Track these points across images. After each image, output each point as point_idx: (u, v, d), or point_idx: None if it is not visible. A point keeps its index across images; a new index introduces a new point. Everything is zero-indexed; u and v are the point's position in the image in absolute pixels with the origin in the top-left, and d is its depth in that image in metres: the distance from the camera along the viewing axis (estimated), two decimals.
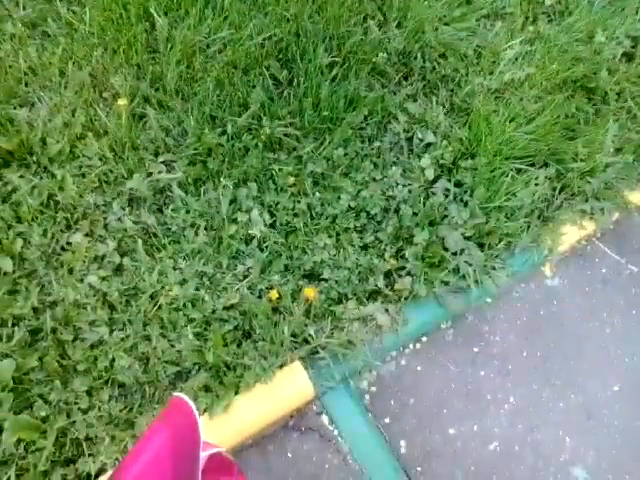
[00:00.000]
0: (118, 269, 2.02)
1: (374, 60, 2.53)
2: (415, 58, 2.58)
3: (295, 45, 2.49)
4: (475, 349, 2.22)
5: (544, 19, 2.88)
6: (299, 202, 2.25)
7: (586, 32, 2.81)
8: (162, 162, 2.23)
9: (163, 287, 1.99)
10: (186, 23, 2.43)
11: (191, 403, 1.05)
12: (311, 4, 2.58)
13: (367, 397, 2.07)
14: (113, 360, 1.85)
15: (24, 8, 2.43)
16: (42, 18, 2.42)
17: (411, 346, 2.19)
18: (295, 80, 2.45)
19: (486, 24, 2.80)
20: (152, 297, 1.98)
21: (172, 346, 1.90)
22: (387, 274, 2.20)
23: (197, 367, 1.90)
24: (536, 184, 2.39)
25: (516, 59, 2.68)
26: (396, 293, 2.17)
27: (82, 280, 1.97)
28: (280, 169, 2.29)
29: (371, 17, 2.66)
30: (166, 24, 2.41)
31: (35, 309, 1.89)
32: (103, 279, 1.98)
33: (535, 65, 2.68)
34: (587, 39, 2.81)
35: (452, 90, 2.59)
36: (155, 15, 2.42)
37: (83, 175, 2.14)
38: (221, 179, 2.23)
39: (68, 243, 2.02)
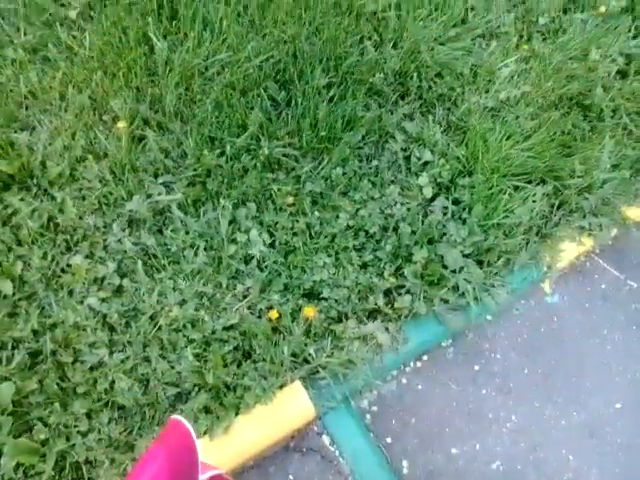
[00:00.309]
0: (118, 290, 2.03)
1: (371, 80, 2.56)
2: (411, 78, 2.61)
3: (293, 66, 2.52)
4: (476, 367, 2.21)
5: (539, 38, 2.91)
6: (298, 221, 2.26)
7: (580, 50, 2.84)
8: (161, 183, 2.24)
9: (163, 308, 2.00)
10: (185, 46, 2.46)
11: (188, 425, 1.05)
12: (308, 26, 2.61)
13: (368, 417, 2.06)
14: (113, 382, 1.85)
15: (25, 33, 2.47)
16: (43, 43, 2.45)
17: (412, 365, 2.19)
18: (293, 101, 2.48)
19: (481, 43, 2.83)
20: (152, 318, 1.98)
21: (172, 367, 1.89)
22: (387, 292, 2.20)
23: (197, 388, 1.89)
24: (534, 201, 2.40)
25: (512, 77, 2.71)
26: (396, 311, 2.16)
27: (82, 302, 1.97)
28: (279, 189, 2.30)
29: (367, 38, 2.69)
30: (165, 47, 2.44)
31: (35, 331, 1.89)
32: (103, 300, 1.98)
33: (530, 83, 2.70)
34: (581, 57, 2.84)
35: (449, 109, 2.62)
36: (154, 39, 2.45)
37: (83, 197, 2.15)
38: (220, 200, 2.24)
39: (68, 265, 2.03)
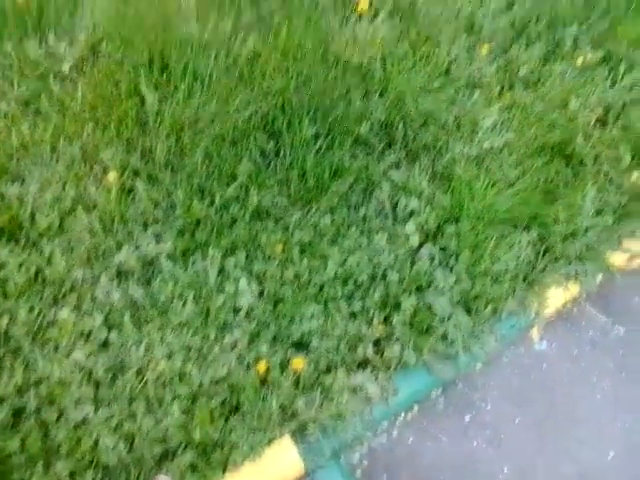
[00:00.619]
0: (105, 344, 2.01)
1: (357, 130, 2.61)
2: (397, 128, 2.66)
3: (281, 118, 2.57)
4: (467, 418, 2.19)
5: (520, 88, 2.98)
6: (287, 270, 2.27)
7: (560, 100, 2.92)
8: (151, 234, 2.25)
9: (150, 361, 1.98)
10: (175, 98, 2.51)
11: None
12: (296, 78, 2.67)
13: (359, 472, 2.02)
14: (97, 440, 1.81)
15: (19, 87, 2.50)
16: (35, 96, 2.49)
17: (402, 416, 2.17)
18: (282, 151, 2.52)
19: (464, 93, 2.89)
20: (138, 372, 1.96)
21: (158, 423, 1.86)
22: (376, 342, 2.20)
23: (183, 445, 1.86)
24: (519, 248, 2.43)
25: (494, 126, 2.77)
26: (385, 361, 2.16)
27: (68, 356, 1.94)
28: (268, 238, 2.31)
29: (354, 89, 2.75)
30: (156, 100, 2.48)
31: (19, 388, 1.86)
32: (89, 355, 1.96)
33: (513, 132, 2.76)
34: (562, 106, 2.91)
35: (434, 157, 2.66)
36: (145, 91, 2.49)
37: (72, 249, 2.15)
38: (209, 249, 2.25)
39: (55, 319, 2.01)
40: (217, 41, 2.72)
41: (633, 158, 2.78)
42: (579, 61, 3.04)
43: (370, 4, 2.96)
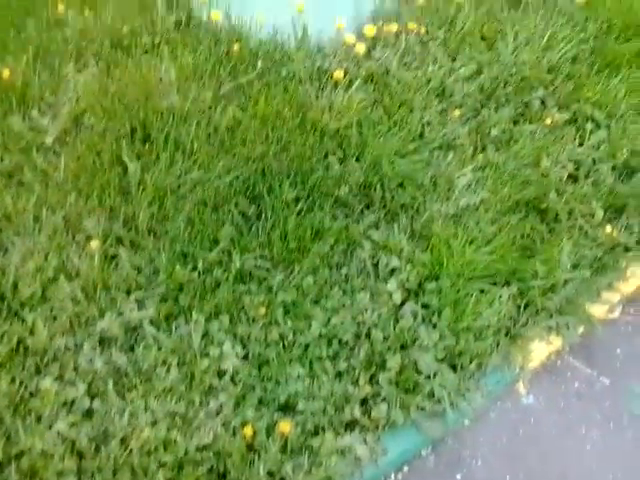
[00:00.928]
0: (88, 413, 1.97)
1: (337, 193, 2.68)
2: (375, 189, 2.74)
3: (262, 182, 2.64)
4: (458, 476, 2.16)
5: (492, 148, 3.09)
6: (271, 332, 2.28)
7: (532, 158, 3.03)
8: (134, 300, 2.26)
9: (134, 430, 1.94)
10: (157, 167, 2.57)
11: None
12: (275, 144, 2.76)
13: None
14: None
15: (2, 160, 2.55)
16: (19, 168, 2.54)
17: (393, 476, 2.13)
18: (263, 215, 2.57)
19: (439, 155, 3.00)
20: (122, 441, 1.92)
21: None
22: (363, 401, 2.18)
23: None
24: (500, 303, 2.46)
25: (469, 185, 2.86)
26: (373, 421, 2.14)
27: (50, 427, 1.90)
28: (251, 300, 2.33)
29: (332, 153, 2.84)
30: (138, 168, 2.54)
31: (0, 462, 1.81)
32: (72, 425, 1.92)
33: (488, 190, 2.85)
34: (534, 164, 3.02)
35: (412, 217, 2.73)
36: (127, 161, 2.55)
37: (54, 318, 2.14)
38: (193, 313, 2.25)
39: (37, 389, 1.98)
40: (198, 111, 2.82)
41: (605, 212, 2.88)
42: (548, 121, 3.18)
43: (345, 73, 3.10)
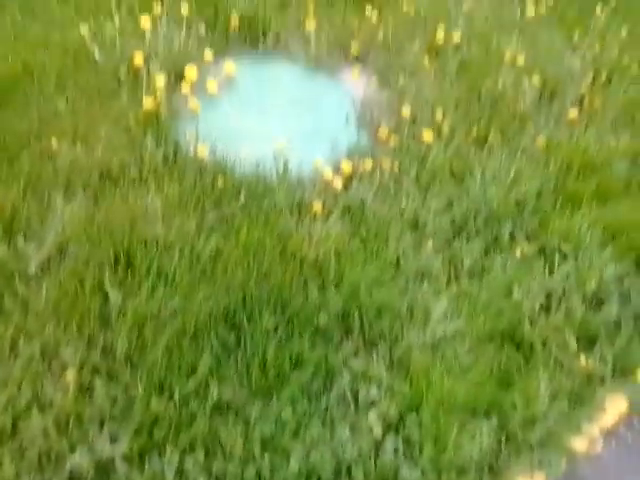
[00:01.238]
0: None
1: (316, 321, 2.71)
2: (353, 317, 2.78)
3: (242, 310, 2.67)
4: None
5: (465, 278, 3.20)
6: (247, 468, 2.20)
7: (504, 288, 3.13)
8: (106, 433, 2.18)
9: None
10: (139, 295, 2.59)
11: None
12: (256, 273, 2.82)
13: None
14: None
15: None
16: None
17: None
18: (242, 343, 2.57)
19: (415, 284, 3.08)
20: None
21: None
22: None
23: None
24: (481, 436, 2.43)
25: (445, 315, 2.92)
26: None
27: None
28: (228, 433, 2.27)
29: (311, 282, 2.91)
30: (119, 297, 2.56)
31: None
32: None
33: (464, 319, 2.91)
34: (506, 294, 3.11)
35: (390, 345, 2.75)
36: (109, 289, 2.58)
37: (22, 453, 2.05)
38: (167, 448, 2.18)
39: None
40: (181, 240, 2.89)
41: (578, 342, 2.94)
42: (517, 253, 3.32)
43: (323, 205, 3.26)
